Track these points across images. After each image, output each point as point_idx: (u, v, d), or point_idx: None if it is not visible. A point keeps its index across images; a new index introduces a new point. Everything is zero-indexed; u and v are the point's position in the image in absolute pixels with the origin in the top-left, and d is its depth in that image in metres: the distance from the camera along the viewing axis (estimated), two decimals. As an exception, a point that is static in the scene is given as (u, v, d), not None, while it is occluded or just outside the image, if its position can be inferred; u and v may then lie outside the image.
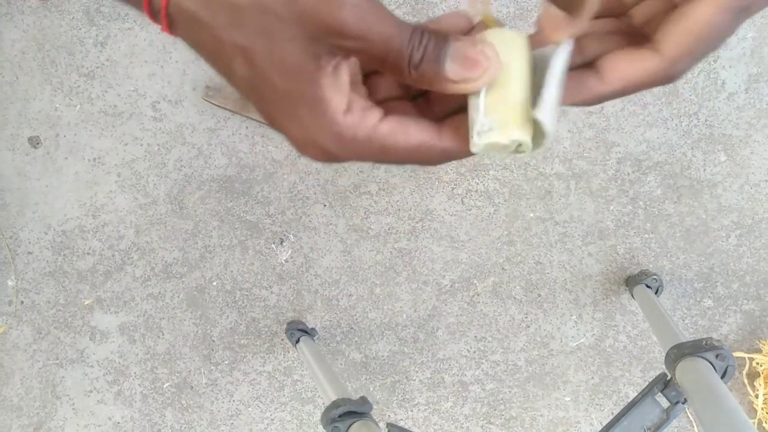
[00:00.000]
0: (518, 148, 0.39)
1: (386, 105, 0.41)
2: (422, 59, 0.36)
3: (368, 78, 0.44)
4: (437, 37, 0.37)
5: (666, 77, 0.38)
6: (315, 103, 0.37)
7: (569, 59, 0.40)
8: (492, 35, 0.40)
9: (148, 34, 1.62)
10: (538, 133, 0.39)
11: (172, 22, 0.37)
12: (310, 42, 0.35)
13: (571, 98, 0.40)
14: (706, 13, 0.37)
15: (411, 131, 0.39)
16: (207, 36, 0.37)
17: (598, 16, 0.43)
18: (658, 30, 0.39)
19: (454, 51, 0.37)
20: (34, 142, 1.66)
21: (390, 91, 0.44)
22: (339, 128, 0.37)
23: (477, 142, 0.38)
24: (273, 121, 0.40)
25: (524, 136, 0.38)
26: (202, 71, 1.63)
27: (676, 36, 0.37)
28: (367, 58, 0.37)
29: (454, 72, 0.37)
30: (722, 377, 1.06)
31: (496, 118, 0.38)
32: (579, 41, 0.42)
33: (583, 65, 0.41)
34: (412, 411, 1.72)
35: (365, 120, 0.38)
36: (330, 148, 0.38)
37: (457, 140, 0.40)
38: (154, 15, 0.38)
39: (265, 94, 0.38)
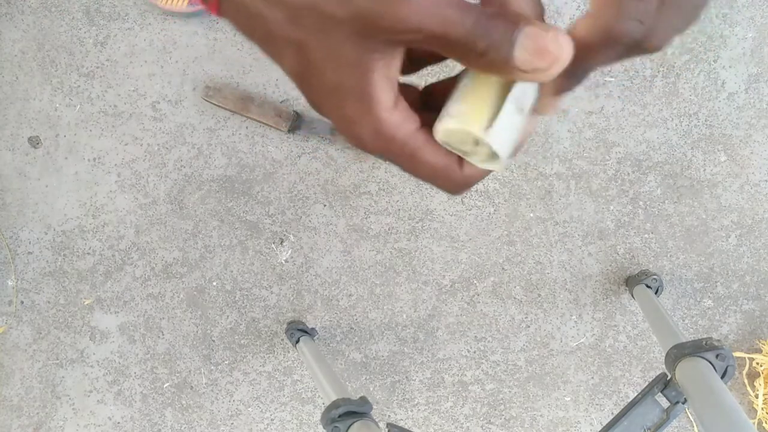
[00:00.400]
0: (484, 152, 0.39)
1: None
2: (489, 47, 0.34)
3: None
4: (505, 22, 0.34)
5: (605, 35, 0.35)
6: (363, 97, 0.37)
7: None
8: None
9: (149, 34, 1.62)
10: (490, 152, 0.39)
11: (223, 8, 0.37)
12: (364, 39, 0.35)
13: (546, 90, 0.39)
14: None
15: (440, 150, 0.39)
16: (259, 27, 0.37)
17: None
18: None
19: (524, 38, 0.34)
20: (34, 142, 1.66)
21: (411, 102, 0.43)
22: (381, 125, 0.38)
23: (437, 127, 0.39)
24: (319, 108, 0.40)
25: (482, 134, 0.38)
26: (202, 71, 1.63)
27: None
28: (428, 47, 0.35)
29: (523, 61, 0.34)
30: (722, 377, 1.06)
31: (463, 108, 0.38)
32: None
33: None
34: (412, 411, 1.72)
35: (406, 123, 0.38)
36: (366, 140, 0.39)
37: (475, 171, 0.40)
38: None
39: (314, 85, 0.38)
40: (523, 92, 0.38)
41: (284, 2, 0.35)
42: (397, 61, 0.37)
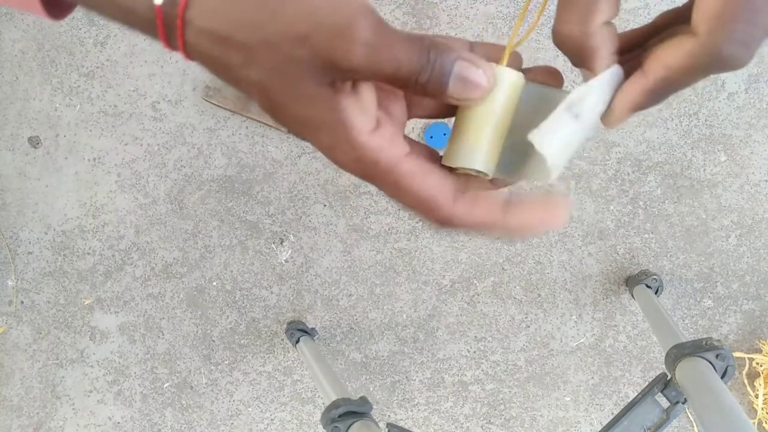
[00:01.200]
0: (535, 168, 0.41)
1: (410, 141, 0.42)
2: (429, 79, 0.37)
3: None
4: (445, 55, 0.37)
5: (707, 57, 0.36)
6: (337, 127, 0.37)
7: (602, 95, 0.41)
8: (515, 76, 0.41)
9: (148, 34, 1.62)
10: (539, 164, 0.40)
11: (189, 55, 0.38)
12: (322, 74, 0.35)
13: (620, 103, 0.40)
14: None
15: (426, 180, 0.39)
16: (221, 71, 0.37)
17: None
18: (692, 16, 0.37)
19: (458, 71, 0.37)
20: (34, 142, 1.65)
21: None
22: (361, 150, 0.37)
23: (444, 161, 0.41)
24: (299, 136, 0.40)
25: (471, 165, 0.40)
26: (202, 71, 1.62)
27: (702, 13, 0.35)
28: (377, 83, 0.38)
29: (456, 92, 0.38)
30: (722, 377, 1.06)
31: (453, 148, 0.41)
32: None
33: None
34: (412, 411, 1.72)
35: (391, 148, 0.38)
36: (348, 166, 0.38)
37: (465, 213, 0.40)
38: (175, 49, 0.38)
39: (286, 119, 0.38)
40: (581, 99, 0.40)
41: (240, 46, 0.35)
42: (365, 88, 0.38)
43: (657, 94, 0.38)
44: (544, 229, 0.40)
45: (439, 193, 0.39)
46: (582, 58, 0.41)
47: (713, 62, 0.36)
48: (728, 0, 0.34)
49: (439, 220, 0.39)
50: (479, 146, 0.40)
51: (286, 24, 0.35)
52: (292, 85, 0.36)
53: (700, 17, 0.35)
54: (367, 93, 0.39)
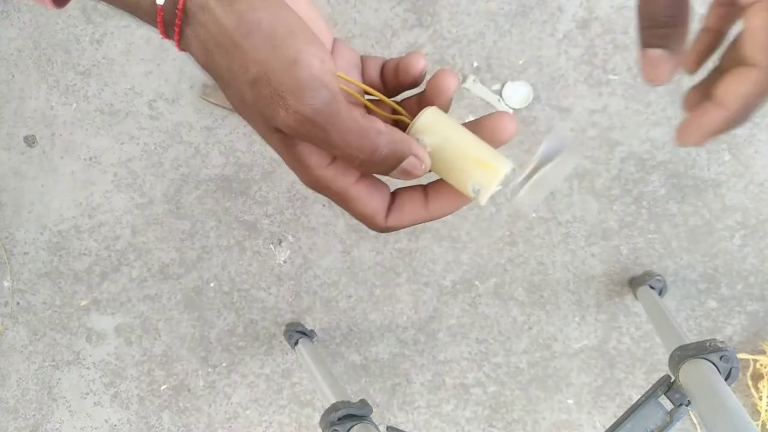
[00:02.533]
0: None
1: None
2: (385, 165, 0.45)
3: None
4: (395, 151, 0.44)
5: None
6: (294, 162, 0.45)
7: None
8: (429, 114, 0.47)
9: (145, 31, 1.61)
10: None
11: (182, 49, 0.44)
12: (269, 122, 0.43)
13: (708, 131, 0.44)
14: (763, 17, 0.40)
15: (369, 202, 0.47)
16: (211, 72, 0.44)
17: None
18: (742, 45, 0.42)
19: (404, 167, 0.45)
20: (30, 141, 1.64)
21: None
22: (316, 181, 0.46)
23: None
24: None
25: (499, 176, 0.48)
26: (199, 69, 1.61)
27: (756, 46, 0.40)
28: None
29: (402, 175, 0.46)
30: (726, 379, 1.04)
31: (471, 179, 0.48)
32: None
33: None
34: (412, 414, 1.71)
35: (341, 178, 0.46)
36: (308, 186, 0.47)
37: (396, 225, 0.49)
38: (169, 38, 0.44)
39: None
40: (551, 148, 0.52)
41: (222, 59, 0.42)
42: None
43: (736, 122, 0.43)
44: (461, 207, 0.49)
45: (376, 213, 0.47)
46: None
47: None
48: None
49: (380, 229, 0.48)
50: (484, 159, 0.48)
51: (246, 62, 0.40)
52: (250, 115, 0.44)
53: (757, 49, 0.40)
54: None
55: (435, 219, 0.49)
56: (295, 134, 0.42)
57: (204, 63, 0.43)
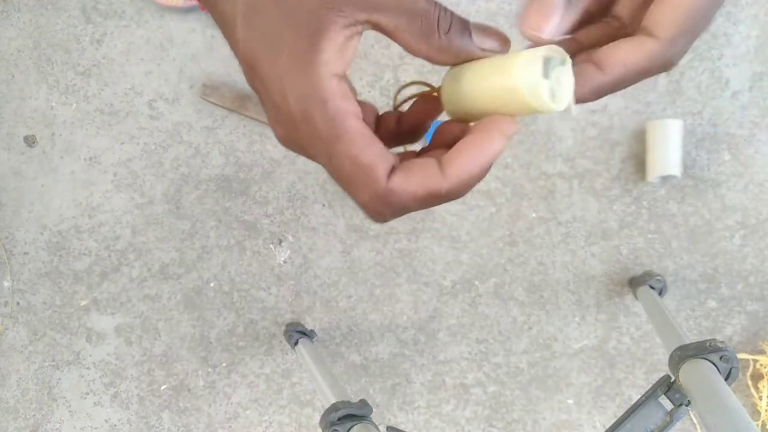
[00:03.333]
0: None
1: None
2: (450, 28, 0.37)
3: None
4: (455, 14, 0.38)
5: (665, 59, 0.38)
6: (309, 48, 0.35)
7: None
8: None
9: (145, 31, 1.61)
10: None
11: None
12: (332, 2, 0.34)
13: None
14: None
15: (370, 146, 0.36)
16: None
17: (583, 23, 0.42)
18: (646, 17, 0.38)
19: (476, 27, 0.38)
20: (30, 141, 1.64)
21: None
22: (316, 85, 0.35)
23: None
24: (251, 61, 0.37)
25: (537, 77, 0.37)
26: (200, 69, 1.62)
27: (667, 16, 0.37)
28: (393, 19, 0.36)
29: (481, 41, 0.38)
30: (726, 379, 1.04)
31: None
32: (573, 38, 0.42)
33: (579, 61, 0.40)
34: (412, 414, 1.71)
35: (344, 99, 0.36)
36: (291, 102, 0.36)
37: (401, 188, 0.37)
38: None
39: (256, 29, 0.36)
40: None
41: None
42: (354, 42, 0.36)
43: (606, 92, 0.39)
44: (490, 159, 0.37)
45: (380, 162, 0.36)
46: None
47: (665, 66, 0.38)
48: (691, 10, 0.36)
49: (375, 194, 0.37)
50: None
51: None
52: None
53: (662, 21, 0.37)
54: (352, 47, 0.36)
55: (450, 190, 0.37)
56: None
57: None
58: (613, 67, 0.38)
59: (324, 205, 1.64)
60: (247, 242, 1.66)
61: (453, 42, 0.37)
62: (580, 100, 0.39)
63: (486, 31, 0.38)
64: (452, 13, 0.37)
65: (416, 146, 0.44)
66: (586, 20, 0.42)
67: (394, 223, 1.64)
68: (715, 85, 1.58)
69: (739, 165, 1.59)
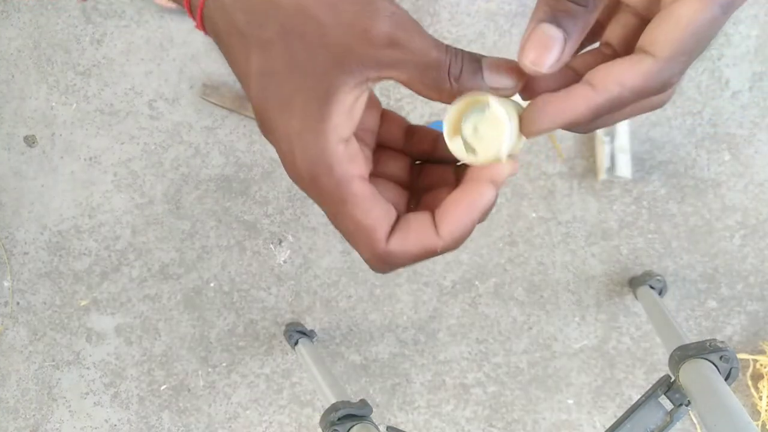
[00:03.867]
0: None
1: (380, 181, 0.42)
2: (461, 72, 0.37)
3: (377, 152, 0.44)
4: (466, 53, 0.38)
5: (662, 79, 0.36)
6: (318, 113, 0.36)
7: None
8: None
9: (145, 31, 1.61)
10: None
11: (205, 18, 0.38)
12: (344, 55, 0.35)
13: (565, 117, 0.38)
14: (695, 11, 0.35)
15: (372, 209, 0.38)
16: (233, 29, 0.37)
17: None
18: (642, 37, 0.37)
19: (490, 63, 0.38)
20: (30, 141, 1.64)
21: (396, 172, 0.45)
22: (323, 152, 0.36)
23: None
24: (264, 121, 0.38)
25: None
26: (200, 69, 1.62)
27: (667, 34, 0.35)
28: (404, 71, 0.37)
29: (492, 80, 0.38)
30: (726, 379, 1.04)
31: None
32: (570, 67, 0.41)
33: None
34: (412, 414, 1.71)
35: (351, 163, 0.37)
36: (299, 165, 0.37)
37: (399, 250, 0.39)
38: (192, 9, 0.39)
39: (269, 92, 0.37)
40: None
41: (260, 3, 0.36)
42: (363, 99, 0.37)
43: (601, 113, 0.37)
44: (481, 213, 0.39)
45: (379, 225, 0.38)
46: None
47: (663, 86, 0.37)
48: (691, 29, 0.35)
49: (375, 254, 0.39)
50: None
51: None
52: (307, 51, 0.35)
53: (661, 39, 0.35)
54: (359, 106, 0.37)
55: (445, 247, 0.39)
56: (394, 29, 0.35)
57: (237, 9, 0.37)
58: (607, 86, 0.36)
59: (324, 205, 1.64)
60: (247, 242, 1.66)
61: (464, 85, 0.37)
62: (574, 121, 0.38)
63: (498, 67, 0.38)
64: (463, 55, 0.37)
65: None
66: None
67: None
68: (715, 85, 1.58)
69: (739, 165, 1.59)
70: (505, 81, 0.38)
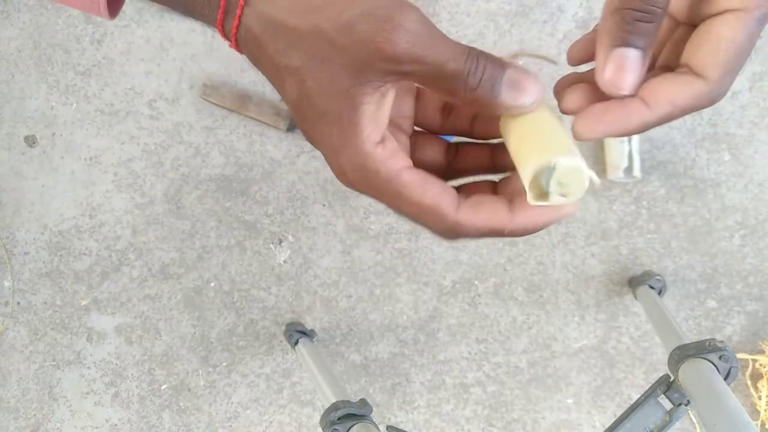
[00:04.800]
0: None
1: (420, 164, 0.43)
2: (479, 85, 0.37)
3: (415, 138, 0.46)
4: (492, 62, 0.38)
5: (711, 98, 0.38)
6: (349, 127, 0.38)
7: None
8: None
9: (145, 31, 1.61)
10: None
11: (239, 43, 0.40)
12: (361, 69, 0.37)
13: (618, 128, 0.39)
14: (735, 29, 0.37)
15: (428, 189, 0.39)
16: (265, 59, 0.39)
17: None
18: (689, 53, 0.39)
19: (509, 78, 0.38)
20: (30, 141, 1.64)
21: (432, 156, 0.46)
22: (364, 158, 0.38)
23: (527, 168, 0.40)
24: (310, 138, 0.41)
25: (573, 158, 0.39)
26: (200, 69, 1.62)
27: (715, 57, 0.37)
28: (421, 80, 0.38)
29: (509, 99, 0.39)
30: (725, 379, 1.04)
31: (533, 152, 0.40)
32: None
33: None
34: (412, 413, 1.71)
35: (393, 160, 0.39)
36: (349, 172, 0.39)
37: (469, 219, 0.40)
38: (225, 35, 0.41)
39: (307, 112, 0.39)
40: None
41: (290, 30, 0.38)
42: (388, 99, 0.39)
43: (649, 127, 0.39)
44: (559, 219, 0.41)
45: (442, 200, 0.39)
46: None
47: (710, 104, 0.38)
48: (735, 50, 0.37)
49: (445, 227, 0.40)
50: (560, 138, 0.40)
51: (336, 11, 0.36)
52: (329, 74, 0.37)
53: (710, 62, 0.37)
54: (385, 108, 0.39)
55: (512, 231, 0.40)
56: (404, 57, 0.36)
57: (267, 38, 0.39)
58: (661, 105, 0.38)
59: (324, 205, 1.64)
60: (247, 242, 1.66)
61: (479, 100, 0.38)
62: (624, 133, 0.39)
63: (519, 83, 0.39)
64: (485, 66, 0.38)
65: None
66: None
67: (394, 223, 1.64)
68: (714, 85, 1.58)
69: (739, 165, 1.59)
70: (524, 100, 0.39)
